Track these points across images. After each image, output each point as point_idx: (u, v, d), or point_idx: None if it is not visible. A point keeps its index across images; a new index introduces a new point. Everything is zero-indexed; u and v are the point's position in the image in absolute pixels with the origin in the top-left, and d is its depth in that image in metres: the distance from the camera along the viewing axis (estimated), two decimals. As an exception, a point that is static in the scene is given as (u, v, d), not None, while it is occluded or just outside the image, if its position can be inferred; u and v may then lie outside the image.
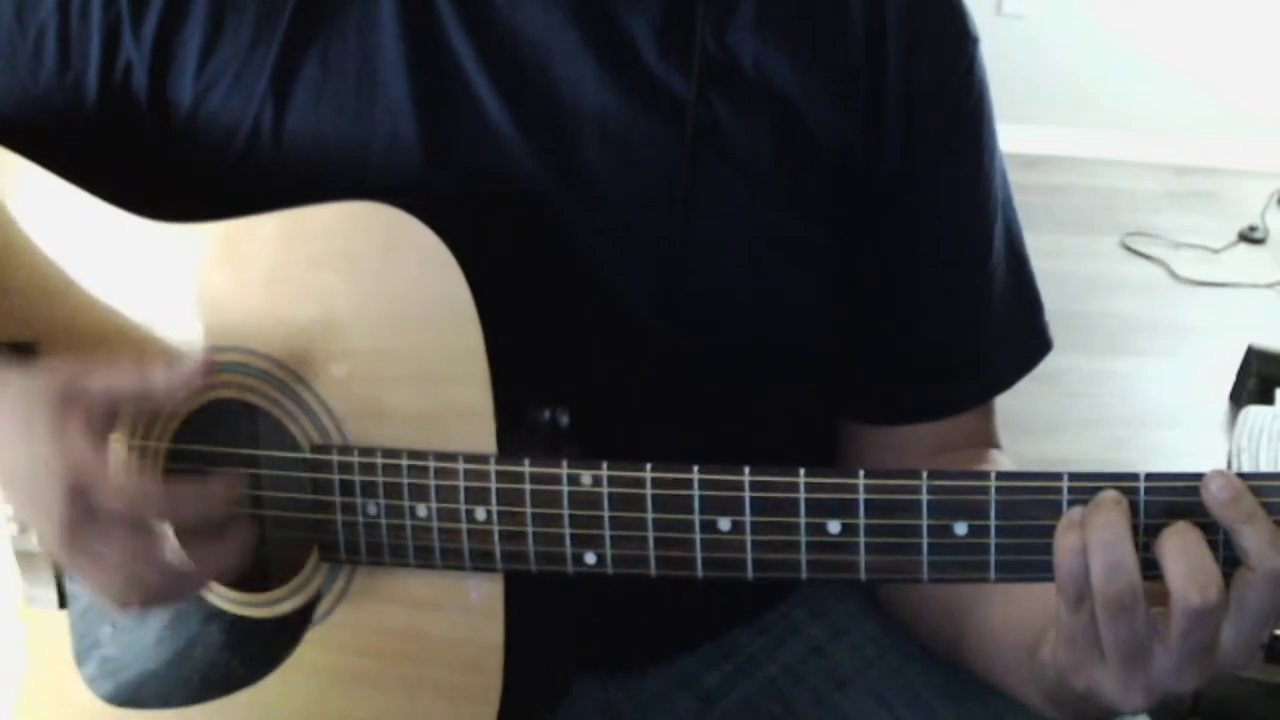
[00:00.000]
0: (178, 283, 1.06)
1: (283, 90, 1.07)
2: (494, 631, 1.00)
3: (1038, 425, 3.08)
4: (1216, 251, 4.38)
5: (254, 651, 1.07)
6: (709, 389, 1.11)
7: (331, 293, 1.01)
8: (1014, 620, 1.01)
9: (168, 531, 0.98)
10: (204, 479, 1.01)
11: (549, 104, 1.05)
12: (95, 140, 1.11)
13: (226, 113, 1.08)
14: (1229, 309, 4.05)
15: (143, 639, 1.10)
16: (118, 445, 1.00)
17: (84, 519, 0.95)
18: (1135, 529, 0.87)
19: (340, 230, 1.00)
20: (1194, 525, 0.86)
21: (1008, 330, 1.17)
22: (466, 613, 1.01)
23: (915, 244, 1.12)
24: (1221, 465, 2.62)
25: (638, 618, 1.04)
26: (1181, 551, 0.86)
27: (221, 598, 1.08)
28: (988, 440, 1.20)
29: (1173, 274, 4.23)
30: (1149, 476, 0.87)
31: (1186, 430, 3.43)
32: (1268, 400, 3.24)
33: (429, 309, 0.98)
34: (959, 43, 1.11)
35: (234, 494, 1.01)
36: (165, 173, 1.10)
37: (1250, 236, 4.47)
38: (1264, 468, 2.66)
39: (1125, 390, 3.61)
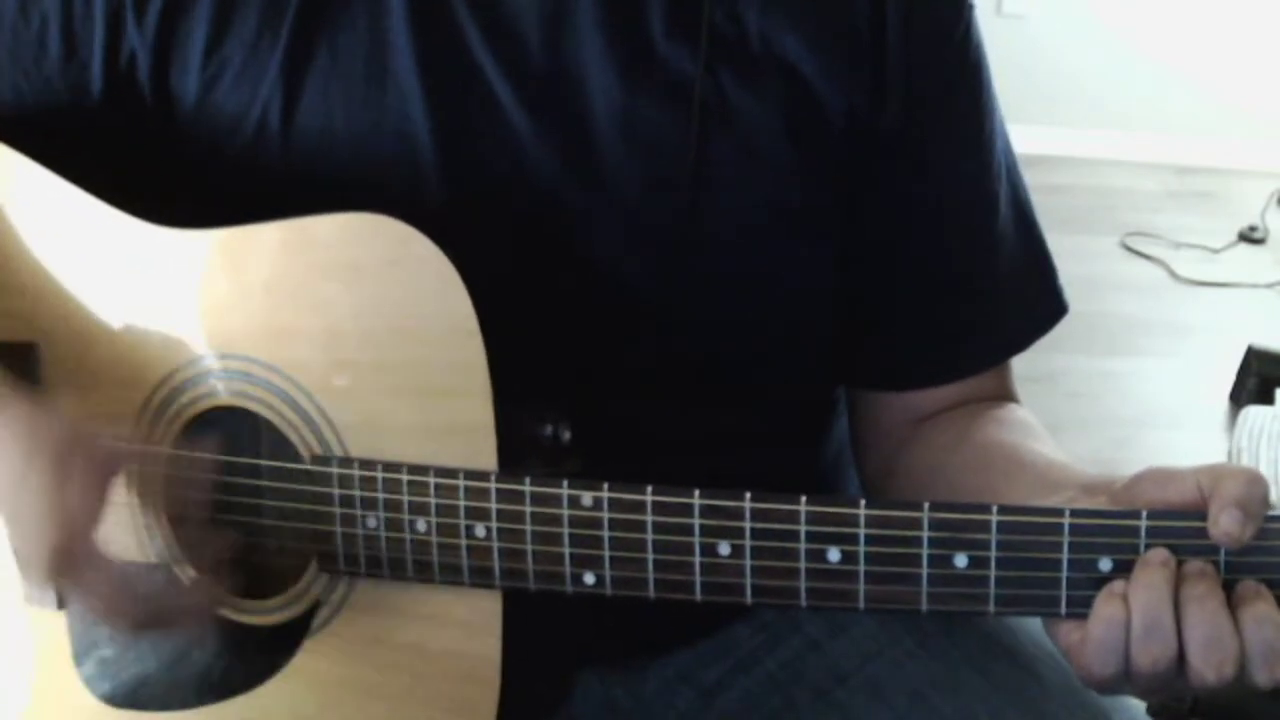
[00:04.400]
0: (180, 288, 1.06)
1: (292, 79, 1.06)
2: (491, 645, 1.00)
3: (1037, 425, 3.08)
4: (1216, 251, 4.37)
5: (252, 658, 1.08)
6: (715, 371, 1.11)
7: (334, 303, 1.01)
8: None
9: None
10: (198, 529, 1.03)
11: (556, 85, 1.05)
12: (100, 130, 1.11)
13: (233, 103, 1.07)
14: (1229, 309, 4.04)
15: (141, 641, 1.10)
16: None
17: (75, 554, 0.97)
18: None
19: (343, 241, 1.00)
20: (1217, 587, 0.87)
21: (1018, 292, 1.17)
22: (465, 626, 1.01)
23: (920, 208, 1.12)
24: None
25: (637, 613, 1.04)
26: (1202, 621, 0.86)
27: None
28: (1005, 396, 1.20)
29: (1173, 274, 4.22)
30: (1151, 514, 0.87)
31: (1186, 430, 3.43)
32: (1268, 400, 3.24)
33: (431, 322, 0.98)
34: (955, 8, 1.12)
35: (222, 546, 1.05)
36: (170, 164, 1.10)
37: (1250, 236, 4.46)
38: (1264, 468, 2.66)
39: (1125, 390, 3.60)
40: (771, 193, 1.08)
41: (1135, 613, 0.87)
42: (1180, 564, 0.88)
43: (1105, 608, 0.88)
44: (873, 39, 1.07)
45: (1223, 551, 0.88)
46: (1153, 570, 0.87)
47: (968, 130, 1.13)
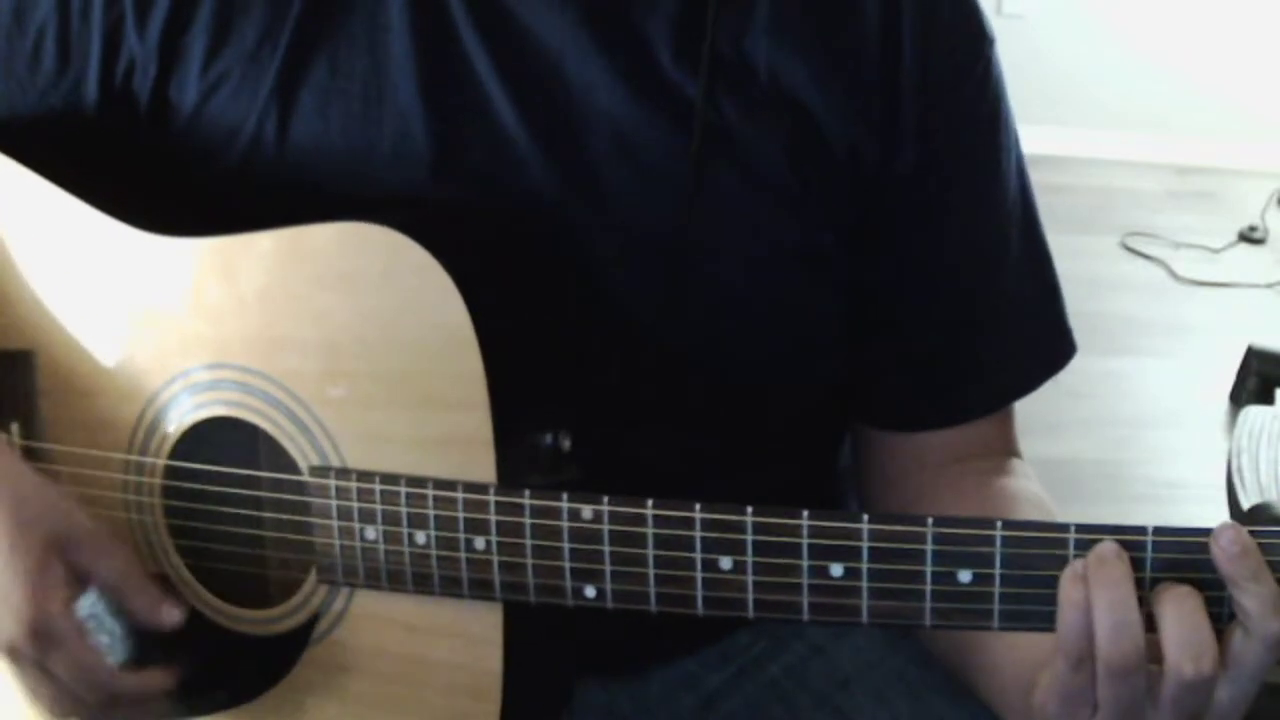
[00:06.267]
0: (175, 296, 1.06)
1: (289, 92, 1.06)
2: (493, 658, 1.00)
3: (1038, 425, 3.06)
4: (1216, 251, 4.38)
5: (251, 669, 1.07)
6: (715, 398, 1.10)
7: (329, 313, 1.01)
8: (1016, 655, 1.00)
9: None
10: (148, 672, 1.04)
11: (561, 107, 1.04)
12: (94, 142, 1.11)
13: (230, 114, 1.07)
14: (1229, 309, 4.05)
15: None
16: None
17: (31, 659, 1.00)
18: (1139, 582, 0.87)
19: (337, 251, 1.00)
20: (1195, 590, 0.86)
21: (1024, 335, 1.16)
22: (466, 638, 1.01)
23: (929, 249, 1.11)
24: (1221, 465, 2.62)
25: (640, 620, 1.03)
26: (1179, 618, 0.85)
27: (220, 614, 1.08)
28: (1006, 447, 1.19)
29: (1173, 274, 4.23)
30: (1157, 530, 0.86)
31: (1186, 430, 3.43)
32: (1268, 400, 3.24)
33: (427, 333, 0.97)
34: (974, 44, 1.10)
35: (171, 683, 1.04)
36: (164, 175, 1.10)
37: (1250, 236, 4.47)
38: (1264, 467, 2.65)
39: (1125, 390, 3.61)
40: (772, 222, 1.07)
41: (1101, 610, 0.86)
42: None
43: (1073, 590, 0.87)
44: (886, 80, 1.06)
45: None
46: (1111, 562, 0.87)
47: (982, 171, 1.12)
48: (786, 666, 1.20)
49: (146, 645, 1.02)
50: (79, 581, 1.01)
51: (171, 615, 1.03)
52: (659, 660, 1.21)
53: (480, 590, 0.98)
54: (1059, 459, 3.15)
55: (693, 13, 1.04)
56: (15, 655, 1.00)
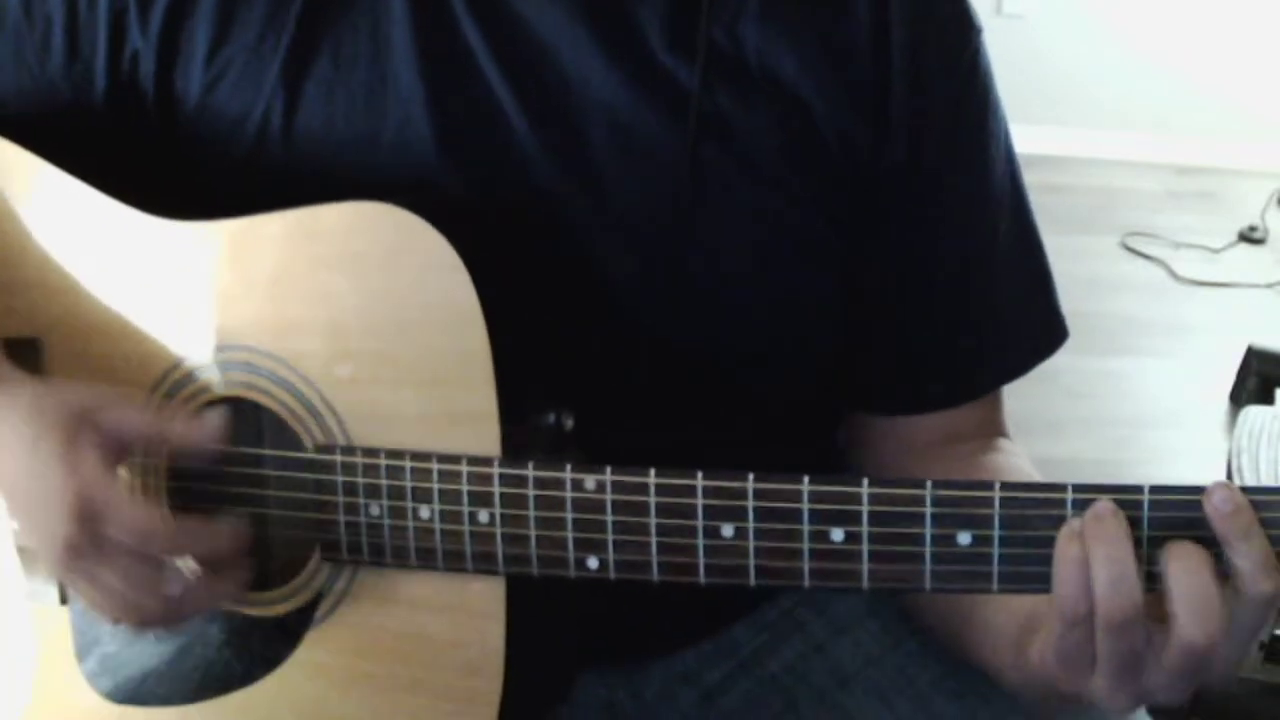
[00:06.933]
0: (183, 280, 1.06)
1: (293, 82, 1.07)
2: (495, 634, 1.00)
3: (1038, 425, 3.08)
4: (1216, 251, 4.38)
5: (254, 650, 1.08)
6: (713, 384, 1.11)
7: (337, 293, 1.01)
8: (1005, 609, 1.01)
9: (170, 563, 1.00)
10: (212, 518, 1.02)
11: (557, 95, 1.05)
12: (103, 132, 1.12)
13: (235, 104, 1.08)
14: (1229, 309, 4.04)
15: (143, 636, 1.10)
16: (124, 473, 1.02)
17: (87, 544, 0.97)
18: (1136, 542, 0.87)
19: (346, 231, 1.00)
20: (1200, 546, 0.86)
21: (1015, 320, 1.17)
22: (468, 614, 1.01)
23: (921, 235, 1.12)
24: (1221, 465, 2.62)
25: (640, 612, 1.04)
26: (1187, 577, 0.86)
27: (224, 596, 1.09)
28: (996, 429, 1.20)
29: (1173, 274, 4.22)
30: (1153, 489, 0.87)
31: (1186, 430, 3.42)
32: (1268, 400, 3.23)
33: (434, 312, 0.98)
34: (963, 33, 1.11)
35: (240, 539, 1.02)
36: (172, 165, 1.11)
37: (1250, 236, 4.46)
38: (1264, 467, 2.65)
39: (1125, 390, 3.60)
40: (767, 209, 1.08)
41: (1099, 565, 0.86)
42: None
43: (1070, 546, 0.87)
44: (876, 68, 1.06)
45: None
46: (1107, 519, 0.87)
47: (972, 159, 1.13)
48: (786, 663, 1.21)
49: None
50: (114, 448, 0.99)
51: (213, 422, 1.02)
52: (658, 655, 1.22)
53: (484, 563, 0.99)
54: (1059, 459, 3.15)
55: (684, 1, 1.05)
56: (71, 552, 0.97)
